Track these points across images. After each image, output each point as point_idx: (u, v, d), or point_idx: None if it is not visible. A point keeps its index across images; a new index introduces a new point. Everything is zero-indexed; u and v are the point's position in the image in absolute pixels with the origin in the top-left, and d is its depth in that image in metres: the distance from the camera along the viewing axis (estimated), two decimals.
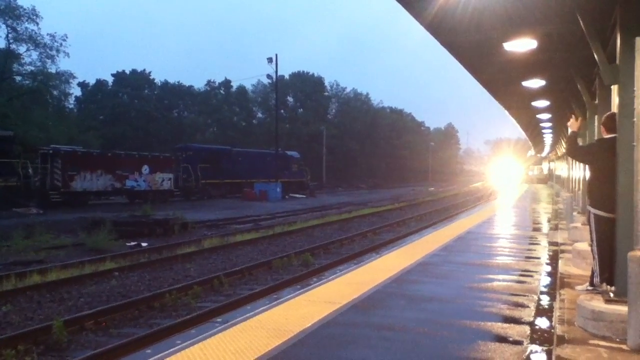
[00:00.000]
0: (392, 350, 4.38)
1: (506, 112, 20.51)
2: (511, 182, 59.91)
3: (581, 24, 6.12)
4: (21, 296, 9.98)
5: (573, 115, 6.12)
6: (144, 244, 16.26)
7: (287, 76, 75.48)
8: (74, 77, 48.91)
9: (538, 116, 18.98)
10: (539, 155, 54.62)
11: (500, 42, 8.48)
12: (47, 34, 44.11)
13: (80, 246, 16.01)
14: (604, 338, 4.40)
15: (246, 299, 8.93)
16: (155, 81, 70.20)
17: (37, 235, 17.33)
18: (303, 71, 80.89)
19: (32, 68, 44.79)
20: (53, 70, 45.30)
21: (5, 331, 7.91)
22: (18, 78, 45.27)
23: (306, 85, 78.85)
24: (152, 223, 18.79)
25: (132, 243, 16.45)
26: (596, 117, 8.75)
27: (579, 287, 5.97)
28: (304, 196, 43.54)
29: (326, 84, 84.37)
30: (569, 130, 5.95)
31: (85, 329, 8.05)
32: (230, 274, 11.43)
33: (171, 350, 4.33)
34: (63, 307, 9.40)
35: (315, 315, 5.28)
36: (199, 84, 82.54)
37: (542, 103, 14.95)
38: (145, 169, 33.88)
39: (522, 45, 8.49)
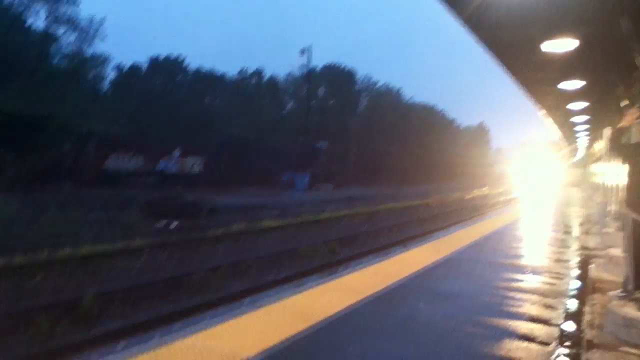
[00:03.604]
0: (417, 343, 4.37)
1: (540, 113, 20.13)
2: (543, 184, 58.87)
3: (624, 25, 5.96)
4: None
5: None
6: (172, 225, 16.51)
7: (319, 68, 75.45)
8: (110, 61, 49.83)
9: (573, 119, 18.58)
10: (572, 158, 53.51)
11: (540, 41, 8.31)
12: (85, 17, 44.95)
13: (111, 223, 16.33)
14: (635, 345, 4.32)
15: (272, 283, 9.01)
16: (189, 68, 70.96)
17: (71, 211, 17.73)
18: (335, 64, 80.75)
19: (70, 50, 45.70)
20: (89, 53, 46.18)
21: None
22: (55, 60, 46.23)
23: (337, 78, 78.65)
24: (182, 205, 19.09)
25: (162, 223, 16.73)
26: (637, 121, 8.53)
27: (611, 293, 5.86)
28: (330, 188, 43.57)
29: (357, 77, 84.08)
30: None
31: (115, 302, 8.21)
32: (256, 258, 11.54)
33: (200, 325, 4.42)
34: (94, 280, 9.59)
35: (340, 304, 5.29)
36: (231, 71, 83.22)
37: (578, 106, 14.61)
38: (176, 153, 34.36)
39: (561, 45, 8.31)
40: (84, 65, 46.63)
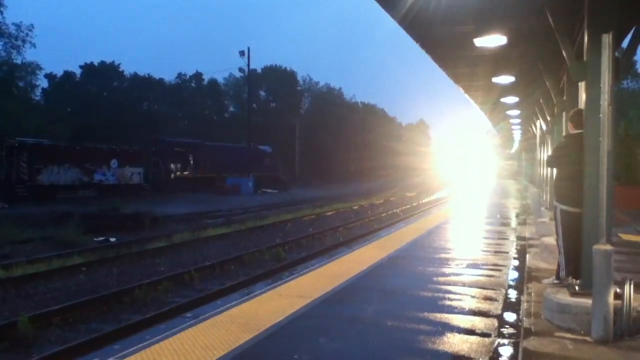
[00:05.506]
0: (364, 342, 4.41)
1: (478, 108, 20.80)
2: (482, 178, 60.90)
3: (550, 19, 6.20)
4: None
5: None
6: (112, 239, 15.98)
7: (259, 70, 74.98)
8: (41, 69, 47.82)
9: (507, 112, 19.27)
10: (508, 150, 55.55)
11: (472, 37, 8.55)
12: (12, 24, 42.89)
13: (47, 240, 15.66)
14: (569, 330, 4.50)
15: (217, 293, 8.84)
16: (125, 73, 68.97)
17: (3, 229, 16.87)
18: (276, 65, 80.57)
19: None
20: (19, 61, 44.16)
21: None
22: None
23: (279, 79, 78.50)
24: (122, 217, 18.51)
25: (100, 238, 16.17)
26: (564, 113, 8.91)
27: (545, 281, 6.09)
28: (276, 191, 43.41)
29: (299, 78, 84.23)
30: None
31: (52, 324, 7.88)
32: (201, 268, 11.31)
33: (140, 345, 4.28)
34: (29, 302, 9.18)
35: (287, 309, 5.27)
36: (169, 76, 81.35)
37: (511, 99, 15.15)
38: (114, 162, 33.30)
39: (492, 40, 8.57)
40: (13, 74, 44.52)
